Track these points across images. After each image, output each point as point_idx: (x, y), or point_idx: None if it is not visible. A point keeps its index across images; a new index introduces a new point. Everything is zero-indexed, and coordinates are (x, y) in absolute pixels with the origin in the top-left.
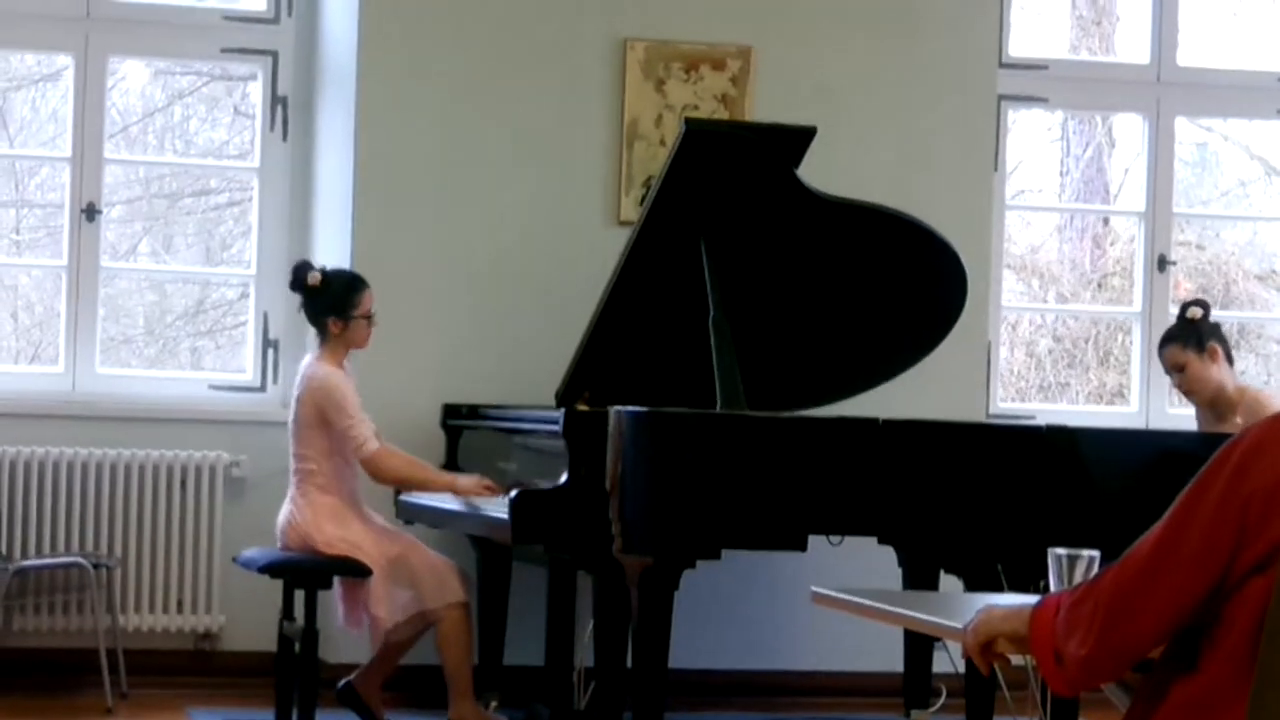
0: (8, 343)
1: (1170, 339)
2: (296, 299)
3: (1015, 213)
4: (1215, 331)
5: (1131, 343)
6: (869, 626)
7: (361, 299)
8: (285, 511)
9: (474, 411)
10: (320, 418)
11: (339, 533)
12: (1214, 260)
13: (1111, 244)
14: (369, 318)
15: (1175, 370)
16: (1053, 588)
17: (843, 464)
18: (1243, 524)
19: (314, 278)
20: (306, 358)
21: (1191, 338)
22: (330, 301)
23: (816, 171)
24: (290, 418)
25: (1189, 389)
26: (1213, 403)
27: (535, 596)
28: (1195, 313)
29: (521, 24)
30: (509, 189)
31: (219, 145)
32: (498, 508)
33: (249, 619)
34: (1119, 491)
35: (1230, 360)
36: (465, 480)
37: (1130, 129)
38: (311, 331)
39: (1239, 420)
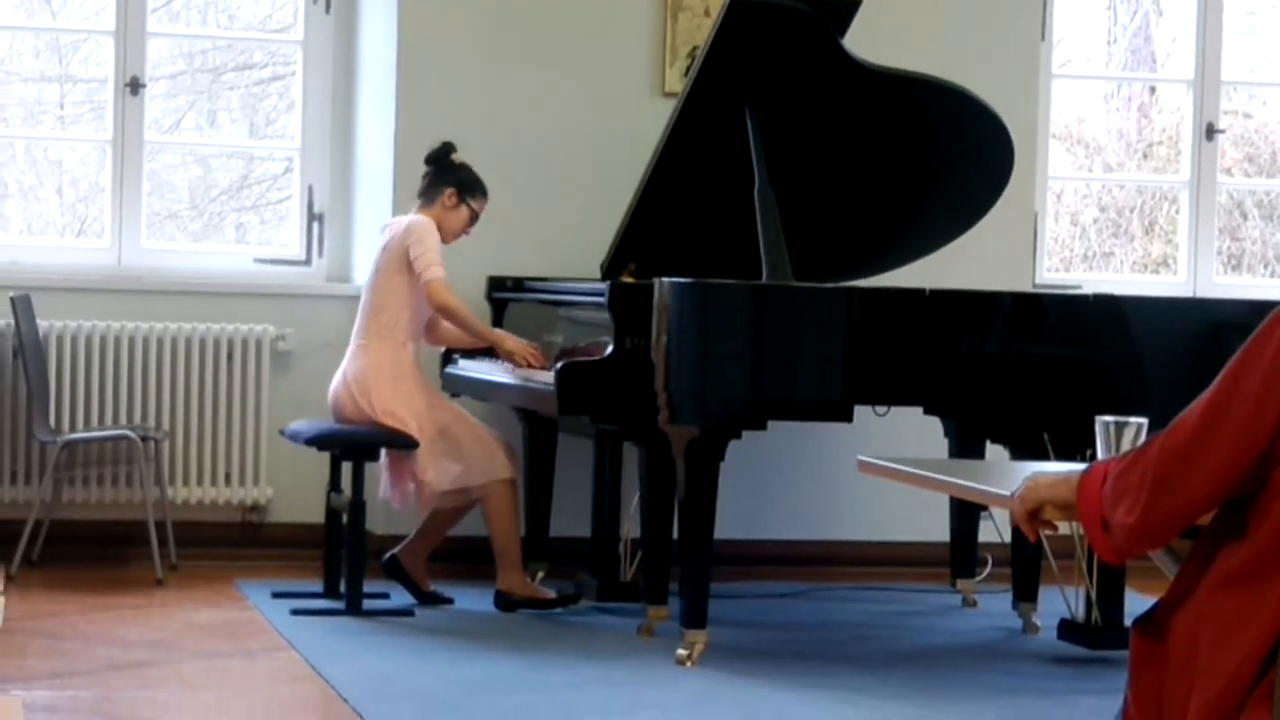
0: (54, 217)
1: None
2: (341, 172)
3: (1062, 82)
4: None
5: (1179, 211)
6: (915, 497)
7: (482, 200)
8: (340, 375)
9: (519, 284)
10: (405, 260)
11: (393, 390)
12: (1261, 129)
13: (1158, 113)
14: (475, 218)
15: None
16: (1100, 455)
17: (889, 334)
18: None
19: (458, 157)
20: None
21: None
22: (460, 178)
23: (862, 42)
24: (371, 271)
25: None
26: None
27: (582, 468)
28: None
29: None
30: (553, 61)
31: (262, 19)
32: (544, 380)
33: (296, 491)
34: (1166, 360)
35: None
36: (514, 341)
37: None
38: (357, 205)
39: None
